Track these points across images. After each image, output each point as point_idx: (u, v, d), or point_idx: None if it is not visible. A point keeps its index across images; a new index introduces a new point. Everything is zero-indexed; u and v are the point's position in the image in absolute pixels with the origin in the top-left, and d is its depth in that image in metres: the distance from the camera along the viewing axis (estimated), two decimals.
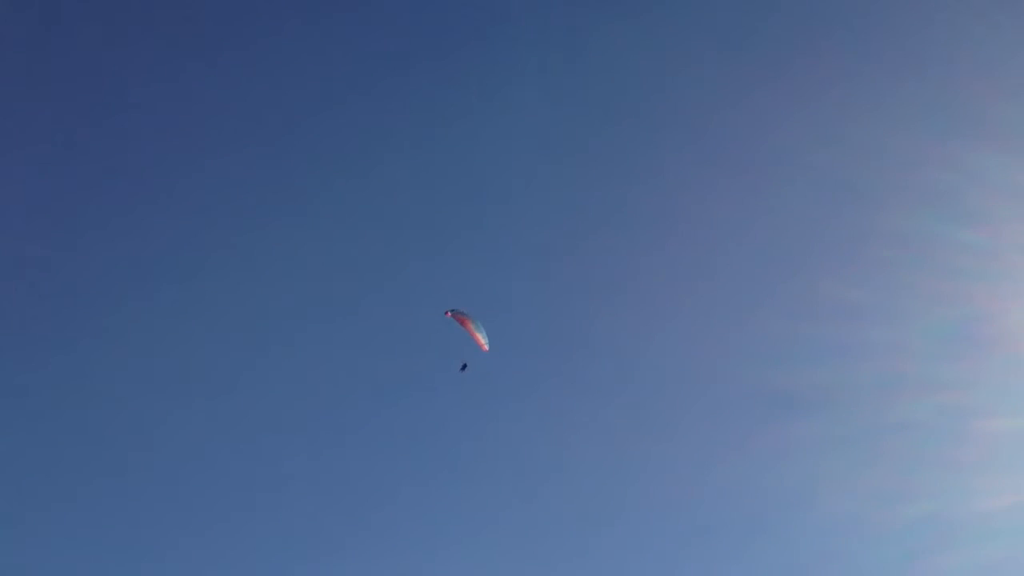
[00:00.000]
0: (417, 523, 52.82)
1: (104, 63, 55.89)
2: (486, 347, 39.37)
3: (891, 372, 56.17)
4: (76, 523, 50.03)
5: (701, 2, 58.60)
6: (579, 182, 57.92)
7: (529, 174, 57.61)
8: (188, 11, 55.87)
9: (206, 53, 56.75)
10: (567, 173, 57.81)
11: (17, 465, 50.41)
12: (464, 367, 39.84)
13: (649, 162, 58.61)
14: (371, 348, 55.24)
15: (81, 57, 55.54)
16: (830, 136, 57.81)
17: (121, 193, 56.04)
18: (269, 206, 57.03)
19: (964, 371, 56.06)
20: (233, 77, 57.11)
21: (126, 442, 52.35)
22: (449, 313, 38.46)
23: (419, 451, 54.61)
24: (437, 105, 56.91)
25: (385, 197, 56.99)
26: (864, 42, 58.36)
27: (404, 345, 54.51)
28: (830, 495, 54.17)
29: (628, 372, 56.81)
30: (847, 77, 58.17)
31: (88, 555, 49.01)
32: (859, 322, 56.98)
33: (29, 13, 53.82)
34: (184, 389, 53.42)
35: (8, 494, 49.65)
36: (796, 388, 56.20)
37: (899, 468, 54.79)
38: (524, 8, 57.93)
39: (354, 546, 51.73)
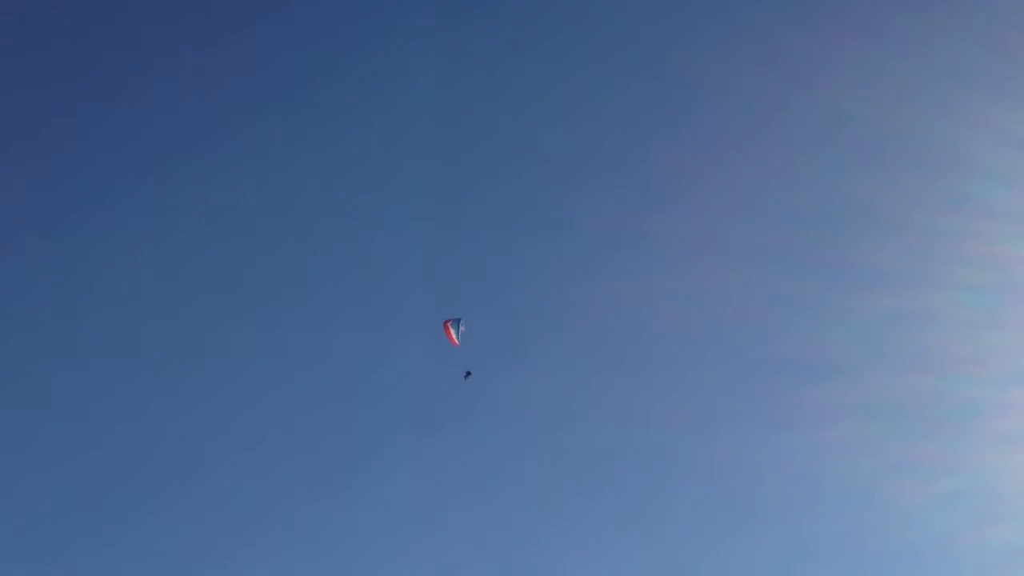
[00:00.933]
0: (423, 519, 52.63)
1: (103, 60, 55.93)
2: (457, 343, 38.95)
3: (929, 341, 54.89)
4: (74, 522, 50.03)
5: None
6: (601, 138, 56.98)
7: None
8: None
9: (207, 51, 56.55)
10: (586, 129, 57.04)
11: (16, 464, 50.41)
12: (468, 375, 39.69)
13: (666, 118, 57.61)
14: (375, 344, 54.87)
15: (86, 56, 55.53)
16: (861, 93, 56.13)
17: (125, 193, 55.80)
18: (271, 204, 56.76)
19: (1005, 339, 54.56)
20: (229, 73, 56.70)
21: (127, 441, 52.32)
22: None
23: (422, 446, 54.48)
24: (443, 97, 56.20)
25: (391, 194, 56.66)
26: None
27: (406, 340, 53.97)
28: (867, 466, 53.04)
29: (653, 340, 55.70)
30: (885, 29, 56.18)
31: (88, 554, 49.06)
32: (895, 288, 55.42)
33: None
34: (185, 388, 53.30)
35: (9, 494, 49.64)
36: (832, 357, 54.88)
37: (938, 439, 53.50)
38: None
39: (360, 544, 51.62)
